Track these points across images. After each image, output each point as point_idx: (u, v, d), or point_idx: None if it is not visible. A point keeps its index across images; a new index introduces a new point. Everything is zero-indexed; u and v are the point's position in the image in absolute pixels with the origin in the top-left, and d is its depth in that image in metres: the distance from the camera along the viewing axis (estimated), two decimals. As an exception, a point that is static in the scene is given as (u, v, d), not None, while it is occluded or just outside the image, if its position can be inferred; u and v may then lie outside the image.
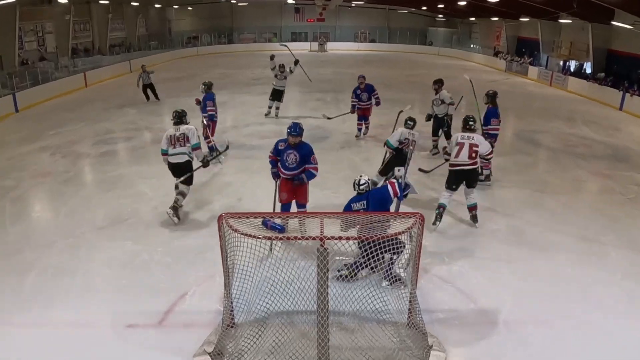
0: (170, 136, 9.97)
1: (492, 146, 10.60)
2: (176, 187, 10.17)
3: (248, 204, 10.77)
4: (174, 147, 9.95)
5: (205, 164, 10.37)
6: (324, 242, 5.48)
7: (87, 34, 36.91)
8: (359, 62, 41.56)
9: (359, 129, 16.58)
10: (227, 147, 11.30)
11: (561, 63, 33.44)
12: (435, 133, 14.42)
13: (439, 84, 14.33)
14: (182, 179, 10.04)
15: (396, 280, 7.39)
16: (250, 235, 5.87)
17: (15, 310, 7.12)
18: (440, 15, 54.07)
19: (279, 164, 8.95)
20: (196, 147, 10.05)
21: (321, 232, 5.75)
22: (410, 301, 6.56)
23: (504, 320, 6.95)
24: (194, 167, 10.27)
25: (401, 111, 12.64)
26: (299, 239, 6.05)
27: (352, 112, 16.27)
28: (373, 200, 7.72)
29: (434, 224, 9.79)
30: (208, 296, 7.42)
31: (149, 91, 22.88)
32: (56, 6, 30.67)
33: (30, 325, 6.81)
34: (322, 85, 27.00)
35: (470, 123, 9.88)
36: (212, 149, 13.53)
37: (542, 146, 16.56)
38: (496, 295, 7.54)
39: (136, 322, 6.82)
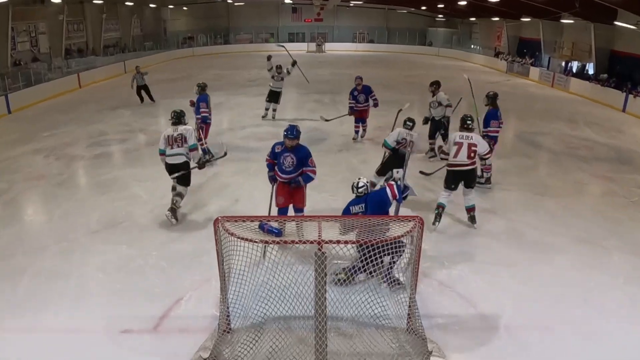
0: (168, 136, 10.01)
1: (491, 148, 10.65)
2: (173, 188, 10.23)
3: (244, 207, 10.75)
4: (172, 148, 9.99)
5: (200, 165, 10.40)
6: (321, 246, 5.50)
7: (81, 34, 36.89)
8: (357, 62, 41.60)
9: (356, 132, 16.52)
10: (225, 154, 11.28)
11: (563, 64, 33.46)
12: (431, 136, 14.41)
13: (435, 85, 14.32)
14: (175, 175, 10.09)
15: (396, 284, 7.41)
16: (246, 239, 5.88)
17: (7, 315, 7.12)
18: (440, 15, 54.15)
19: (275, 167, 8.92)
20: (193, 148, 10.09)
21: (319, 235, 5.76)
22: (409, 306, 6.57)
23: (505, 325, 6.96)
24: (191, 167, 10.30)
25: (400, 110, 12.68)
26: (297, 242, 6.03)
27: (350, 114, 16.22)
28: (371, 203, 7.73)
29: (433, 224, 9.90)
30: (204, 301, 7.42)
31: (143, 93, 22.88)
32: (49, 6, 30.69)
33: (22, 330, 6.81)
34: (319, 86, 27.03)
35: (468, 122, 9.94)
36: (205, 151, 13.49)
37: (543, 148, 16.58)
38: (496, 300, 7.55)
39: (131, 327, 6.82)
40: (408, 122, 11.38)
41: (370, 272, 6.94)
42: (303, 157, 8.73)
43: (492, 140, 11.53)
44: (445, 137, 13.62)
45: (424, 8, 50.93)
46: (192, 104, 14.13)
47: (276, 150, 8.84)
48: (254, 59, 40.61)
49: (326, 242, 5.59)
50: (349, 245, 5.98)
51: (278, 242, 7.13)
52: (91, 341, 6.56)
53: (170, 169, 10.15)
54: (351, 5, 53.77)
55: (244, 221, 6.16)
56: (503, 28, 42.10)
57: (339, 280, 7.32)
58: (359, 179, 7.96)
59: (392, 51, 52.63)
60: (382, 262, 6.67)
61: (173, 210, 10.09)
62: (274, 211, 9.17)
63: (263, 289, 6.50)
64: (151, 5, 46.65)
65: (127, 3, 40.83)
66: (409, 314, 6.60)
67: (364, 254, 6.18)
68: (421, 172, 12.13)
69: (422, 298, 7.31)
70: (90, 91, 27.83)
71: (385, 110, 16.47)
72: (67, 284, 7.91)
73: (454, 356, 6.29)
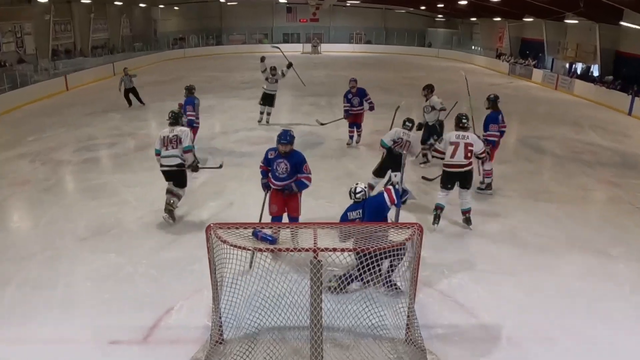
0: (164, 137, 10.12)
1: (489, 153, 10.82)
2: (168, 191, 10.33)
3: (237, 214, 10.75)
4: (166, 149, 10.09)
5: (193, 168, 10.42)
6: (317, 254, 5.50)
7: (68, 34, 36.86)
8: (354, 64, 41.67)
9: (351, 136, 16.45)
10: (221, 166, 11.27)
11: (567, 65, 33.52)
12: (424, 142, 14.22)
13: (428, 89, 14.29)
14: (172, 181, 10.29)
15: (394, 288, 7.41)
16: (239, 247, 5.87)
17: (-8, 325, 7.12)
18: (439, 16, 54.27)
19: (269, 174, 8.88)
20: (187, 150, 10.17)
21: (315, 243, 5.76)
22: (408, 316, 6.55)
23: (507, 336, 6.95)
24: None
25: (398, 107, 12.76)
26: (291, 250, 6.03)
27: (346, 117, 16.15)
28: (369, 208, 7.74)
29: (433, 224, 10.08)
30: (195, 311, 7.41)
31: (131, 96, 22.84)
32: (35, 6, 30.60)
33: (7, 341, 6.79)
34: (315, 88, 27.07)
35: (464, 121, 10.09)
36: None
37: (546, 153, 16.61)
38: (498, 310, 7.55)
39: (119, 338, 6.81)
40: (407, 123, 11.42)
41: (367, 281, 6.95)
42: (297, 163, 8.66)
43: (490, 144, 11.58)
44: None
45: (423, 8, 51.00)
46: (181, 106, 14.15)
47: (269, 157, 8.79)
48: (247, 61, 40.62)
49: (322, 250, 5.59)
50: (346, 253, 5.99)
51: (272, 250, 7.14)
52: (79, 352, 6.56)
53: (165, 171, 10.27)
54: (348, 5, 53.87)
55: (237, 228, 6.14)
56: (505, 28, 42.18)
57: (330, 288, 7.34)
58: (357, 184, 7.98)
59: (390, 52, 52.77)
60: (380, 269, 6.66)
61: (170, 211, 10.23)
62: (267, 219, 9.12)
63: (257, 298, 6.48)
64: (141, 5, 46.62)
65: (116, 2, 40.81)
66: (407, 324, 6.58)
67: (361, 262, 6.19)
68: (423, 178, 12.16)
69: (421, 308, 7.29)
70: (78, 94, 27.83)
71: (383, 114, 16.39)
72: (54, 293, 7.89)
73: (454, 368, 6.30)
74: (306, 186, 8.85)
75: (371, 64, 42.94)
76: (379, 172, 11.59)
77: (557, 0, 27.27)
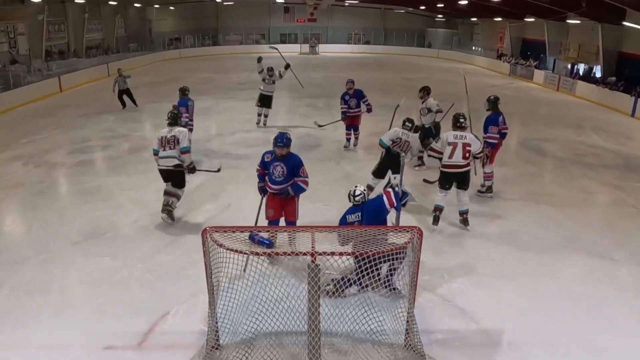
0: (162, 137, 10.22)
1: (488, 156, 10.96)
2: (166, 192, 10.42)
3: (234, 217, 10.72)
4: (164, 150, 10.17)
5: (191, 170, 10.47)
6: (315, 258, 5.51)
7: (62, 35, 36.81)
8: (352, 65, 41.72)
9: (348, 139, 16.40)
10: (219, 170, 11.29)
11: (569, 66, 33.58)
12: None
13: (424, 91, 14.26)
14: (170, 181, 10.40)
15: (394, 291, 7.41)
16: (236, 251, 5.88)
17: (-16, 331, 7.11)
18: (439, 16, 54.37)
19: (266, 177, 8.84)
20: (184, 151, 10.23)
21: (312, 247, 5.76)
22: (407, 321, 6.56)
23: (508, 341, 6.95)
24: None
25: (397, 105, 12.78)
26: (289, 254, 6.05)
27: (343, 119, 16.08)
28: (368, 211, 7.76)
29: (433, 224, 10.24)
30: (191, 315, 7.40)
31: (125, 97, 22.81)
32: (29, 6, 30.54)
33: (0, 346, 6.78)
34: (313, 90, 27.08)
35: (461, 120, 10.21)
36: None
37: (548, 155, 16.65)
38: (499, 315, 7.55)
39: (114, 343, 6.80)
40: (407, 123, 11.45)
41: (365, 286, 6.96)
42: (294, 166, 8.61)
43: (489, 146, 11.61)
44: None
45: (422, 8, 51.08)
46: (175, 108, 14.16)
47: (266, 160, 8.76)
48: (243, 61, 40.66)
49: (320, 254, 5.59)
50: (345, 257, 6.00)
51: (269, 254, 7.13)
52: (72, 358, 6.55)
53: (162, 172, 10.36)
54: (346, 4, 53.94)
55: (233, 232, 6.14)
56: (506, 29, 42.25)
57: (327, 291, 7.33)
58: (356, 187, 7.99)
59: (389, 53, 52.82)
60: (378, 274, 6.67)
61: (169, 211, 10.33)
62: (263, 224, 9.09)
63: (253, 303, 6.50)
64: (136, 5, 46.61)
65: (110, 2, 40.81)
66: (407, 330, 6.59)
67: (360, 266, 6.20)
68: (425, 181, 12.17)
69: (421, 312, 7.27)
70: (71, 95, 27.85)
71: (383, 115, 16.41)
72: (47, 297, 7.88)
73: (454, 373, 6.31)
74: (303, 190, 8.78)
75: (370, 64, 43.00)
76: (378, 173, 11.61)
77: (558, 0, 27.31)
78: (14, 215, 11.68)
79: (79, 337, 6.89)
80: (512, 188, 12.93)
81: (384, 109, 16.91)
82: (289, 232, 7.60)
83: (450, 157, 9.99)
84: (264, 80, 18.28)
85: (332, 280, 7.47)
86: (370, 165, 12.75)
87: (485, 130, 11.84)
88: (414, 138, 11.44)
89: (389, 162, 11.19)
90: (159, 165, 10.34)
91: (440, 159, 10.23)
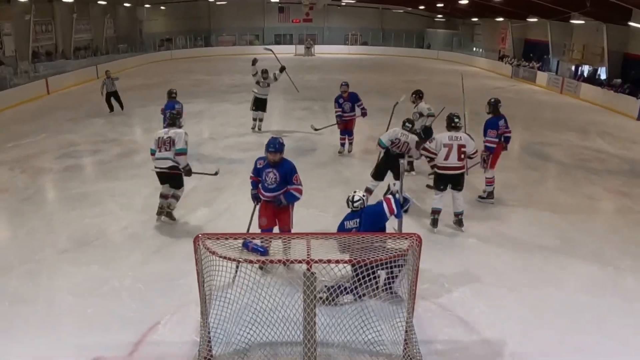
0: (159, 138, 10.35)
1: (485, 160, 11.09)
2: (161, 195, 10.56)
3: (227, 224, 10.70)
4: (160, 151, 10.29)
5: (187, 172, 10.52)
6: (310, 266, 5.51)
7: (50, 35, 36.84)
8: (349, 66, 41.81)
9: (342, 144, 16.32)
10: (216, 173, 11.31)
11: (573, 68, 33.69)
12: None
13: (416, 95, 14.30)
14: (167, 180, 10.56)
15: (394, 295, 7.41)
16: (229, 259, 5.87)
17: (-32, 342, 7.09)
18: (439, 16, 54.46)
19: (259, 185, 8.79)
20: (179, 153, 10.31)
21: (308, 254, 5.77)
22: (406, 331, 6.54)
23: (511, 353, 6.95)
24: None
25: (396, 103, 12.82)
26: (284, 262, 6.04)
27: (338, 123, 15.99)
28: (366, 218, 7.78)
29: (432, 225, 10.45)
30: (183, 326, 7.39)
31: (113, 100, 22.71)
32: (15, 5, 30.61)
33: (-16, 359, 6.78)
34: (309, 92, 27.09)
35: (456, 120, 10.39)
36: None
37: (551, 160, 16.67)
38: (501, 325, 7.55)
39: (103, 354, 6.78)
40: (407, 123, 11.50)
41: (362, 295, 6.96)
42: (286, 172, 8.53)
43: (487, 150, 11.65)
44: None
45: (422, 8, 51.19)
46: (162, 112, 14.20)
47: (258, 166, 8.71)
48: (236, 63, 40.75)
49: (315, 262, 5.60)
50: (342, 265, 6.00)
51: (264, 262, 7.14)
52: (60, 370, 6.55)
53: (158, 173, 10.48)
54: (343, 4, 54.03)
55: (226, 239, 6.12)
56: (508, 29, 42.36)
57: (320, 298, 7.33)
58: (355, 192, 8.01)
59: (388, 54, 52.86)
60: (376, 282, 6.67)
61: (168, 213, 10.54)
62: (256, 232, 9.05)
63: (247, 312, 6.49)
64: (126, 5, 46.72)
65: (99, 2, 40.89)
66: (405, 340, 6.56)
67: (357, 274, 6.20)
68: (428, 187, 12.19)
69: (420, 322, 7.30)
70: (59, 98, 27.82)
71: (380, 119, 16.48)
72: (34, 308, 7.86)
73: (455, 385, 6.31)
74: (296, 199, 8.71)
75: (367, 66, 43.08)
76: (377, 175, 11.65)
77: (562, 0, 27.36)
78: (-1, 222, 11.68)
79: (67, 349, 6.86)
80: (514, 194, 12.95)
81: (381, 112, 16.93)
82: (284, 239, 7.62)
83: (446, 158, 10.16)
84: (258, 83, 18.28)
85: (326, 287, 7.47)
86: (367, 170, 12.77)
87: (485, 134, 11.86)
88: (413, 139, 11.47)
89: (388, 162, 11.25)
90: (155, 166, 10.44)
91: (432, 160, 10.38)
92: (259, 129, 18.89)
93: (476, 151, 10.65)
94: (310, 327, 5.58)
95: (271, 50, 21.55)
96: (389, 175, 11.56)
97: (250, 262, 6.38)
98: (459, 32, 53.40)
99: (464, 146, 10.18)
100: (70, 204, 12.15)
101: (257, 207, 9.00)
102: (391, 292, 7.36)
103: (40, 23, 35.07)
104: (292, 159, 8.89)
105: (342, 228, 7.93)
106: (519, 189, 13.39)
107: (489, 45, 46.42)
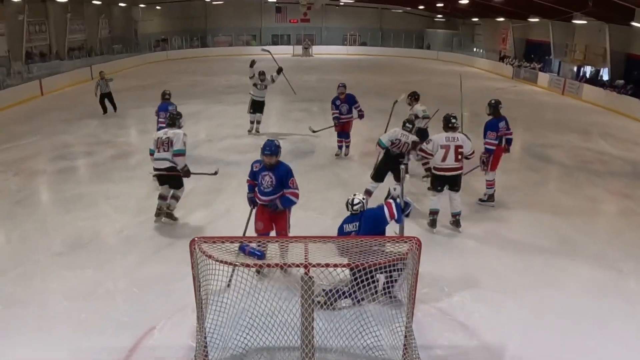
0: (158, 138, 10.41)
1: (484, 162, 11.17)
2: (160, 196, 10.63)
3: (223, 227, 10.69)
4: (158, 151, 10.34)
5: (185, 173, 10.54)
6: (308, 270, 5.51)
7: (43, 36, 36.75)
8: (347, 67, 41.82)
9: (339, 147, 16.29)
10: (216, 173, 11.31)
11: (575, 69, 33.69)
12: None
13: (411, 97, 14.34)
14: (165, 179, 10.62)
15: (393, 298, 7.40)
16: (226, 262, 5.86)
17: (-40, 347, 7.08)
18: (439, 16, 54.44)
19: (256, 188, 8.75)
20: (177, 154, 10.33)
21: (306, 258, 5.76)
22: (405, 336, 6.52)
23: (512, 357, 6.95)
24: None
25: (396, 101, 12.85)
26: (281, 266, 6.03)
27: (335, 125, 15.93)
28: (366, 221, 7.78)
29: (430, 227, 10.59)
30: (179, 330, 7.39)
31: (107, 102, 22.67)
32: (8, 5, 30.53)
33: (-23, 364, 6.77)
34: (307, 93, 27.12)
35: (453, 121, 10.47)
36: None
37: (553, 162, 16.69)
38: (502, 329, 7.55)
39: (98, 359, 6.79)
40: (407, 124, 11.51)
41: (360, 299, 6.95)
42: (283, 176, 8.48)
43: (487, 152, 11.65)
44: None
45: (421, 7, 51.15)
46: (156, 113, 14.21)
47: (254, 169, 8.67)
48: (233, 64, 40.78)
49: (313, 266, 5.59)
50: (340, 269, 5.99)
51: (261, 266, 7.14)
52: (53, 376, 6.54)
53: (157, 175, 10.56)
54: (341, 4, 54.01)
55: (223, 242, 6.09)
56: (509, 29, 42.35)
57: (317, 302, 7.32)
58: (354, 195, 8.01)
59: (387, 55, 52.91)
60: (375, 287, 6.66)
61: (168, 214, 10.63)
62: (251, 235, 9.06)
63: (244, 317, 6.49)
64: (120, 4, 46.61)
65: (94, 2, 40.82)
66: (405, 345, 6.55)
67: (355, 278, 6.20)
68: (429, 189, 12.21)
69: (420, 327, 7.28)
70: (53, 99, 27.83)
71: (379, 120, 16.41)
72: (27, 312, 7.85)
73: (455, 391, 6.31)
74: (292, 203, 8.66)
75: (366, 67, 43.10)
76: (377, 176, 11.67)
77: (564, 0, 27.37)
78: (-9, 225, 11.66)
79: (61, 354, 6.87)
80: (515, 197, 12.95)
81: (380, 114, 16.92)
82: (281, 242, 7.61)
83: (443, 160, 10.28)
84: (255, 85, 18.20)
85: (324, 290, 7.47)
86: (366, 172, 12.80)
87: (484, 136, 11.86)
88: (413, 139, 11.47)
89: (388, 164, 11.27)
90: (154, 167, 10.52)
91: (428, 160, 10.44)
92: (257, 132, 18.83)
93: (473, 152, 10.73)
94: (308, 332, 5.57)
95: (268, 51, 21.53)
96: (389, 177, 11.58)
97: (247, 266, 6.37)
98: (459, 33, 53.42)
99: (461, 147, 10.28)
100: (64, 206, 12.15)
101: (254, 211, 8.97)
102: (390, 296, 7.36)
103: (34, 23, 34.99)
104: (290, 161, 8.92)
105: (341, 231, 7.93)
106: (520, 191, 13.40)
107: (489, 46, 46.44)
